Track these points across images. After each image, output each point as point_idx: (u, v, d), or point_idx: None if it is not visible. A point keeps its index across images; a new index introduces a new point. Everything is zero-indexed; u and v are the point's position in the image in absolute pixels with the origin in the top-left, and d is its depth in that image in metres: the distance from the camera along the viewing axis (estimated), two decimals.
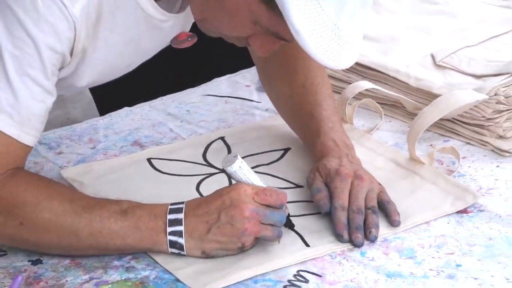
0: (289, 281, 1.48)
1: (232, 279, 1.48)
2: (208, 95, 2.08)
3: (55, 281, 1.49)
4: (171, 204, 1.55)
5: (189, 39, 1.78)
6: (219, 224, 1.51)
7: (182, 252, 1.54)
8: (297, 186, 1.77)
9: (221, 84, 2.13)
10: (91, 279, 1.50)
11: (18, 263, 1.54)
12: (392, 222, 1.62)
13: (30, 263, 1.55)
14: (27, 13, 1.48)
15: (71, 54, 1.56)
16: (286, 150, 1.89)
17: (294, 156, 1.88)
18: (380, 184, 1.68)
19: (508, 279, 1.46)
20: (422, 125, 1.76)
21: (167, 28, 1.71)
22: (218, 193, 1.55)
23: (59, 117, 2.02)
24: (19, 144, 1.53)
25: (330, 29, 1.41)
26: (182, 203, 1.56)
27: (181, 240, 1.53)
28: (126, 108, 2.03)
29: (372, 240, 1.57)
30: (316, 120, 1.79)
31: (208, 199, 1.56)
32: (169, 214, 1.54)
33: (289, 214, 1.59)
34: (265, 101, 2.04)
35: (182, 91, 2.10)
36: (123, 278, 1.50)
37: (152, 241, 1.54)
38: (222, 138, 1.71)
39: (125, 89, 2.12)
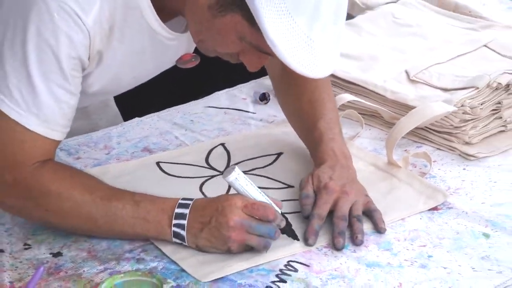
0: (280, 270, 1.49)
1: (231, 269, 1.48)
2: (209, 106, 2.08)
3: (74, 271, 1.49)
4: (182, 199, 1.56)
5: (193, 59, 1.78)
6: (210, 227, 1.52)
7: (184, 243, 1.54)
8: (289, 186, 1.77)
9: (221, 97, 2.12)
10: (105, 269, 1.50)
11: (41, 256, 1.54)
12: (378, 229, 1.61)
13: (51, 255, 1.54)
14: (45, 26, 1.49)
15: (88, 58, 1.56)
16: (279, 154, 1.89)
17: (285, 160, 1.88)
18: (367, 195, 1.67)
19: (473, 268, 1.47)
20: (399, 133, 1.77)
21: (173, 46, 1.71)
22: (216, 199, 1.56)
23: (85, 126, 2.02)
24: (45, 139, 1.54)
25: (303, 40, 1.41)
26: (191, 200, 1.56)
27: (183, 233, 1.53)
28: (137, 118, 2.03)
29: (358, 245, 1.56)
30: (318, 131, 1.78)
31: (208, 203, 1.56)
32: (177, 208, 1.54)
33: (290, 225, 1.56)
34: (259, 112, 2.06)
35: (186, 104, 2.09)
36: (134, 268, 1.50)
37: (157, 232, 1.56)
38: (223, 144, 1.71)
39: (138, 101, 2.11)
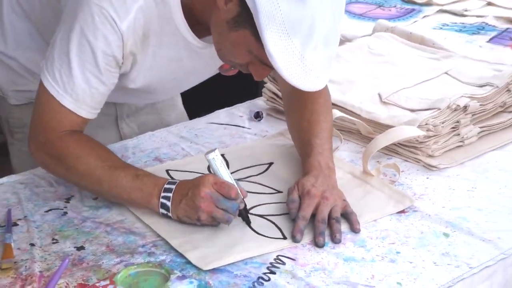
0: (270, 263, 1.48)
1: (228, 260, 1.48)
2: (211, 123, 2.08)
3: (94, 263, 1.49)
4: (171, 178, 1.67)
5: (232, 68, 1.79)
6: (187, 198, 1.55)
7: (168, 213, 1.59)
8: (278, 191, 1.75)
9: (221, 114, 2.12)
10: (121, 261, 1.49)
11: (67, 249, 1.54)
12: (354, 229, 1.61)
13: (75, 249, 1.54)
14: (87, 26, 1.56)
15: (122, 57, 1.62)
16: (270, 164, 1.88)
17: (276, 169, 1.87)
18: (345, 200, 1.66)
19: (435, 262, 1.47)
20: (374, 147, 1.77)
21: (207, 54, 1.72)
22: (195, 178, 1.59)
23: (155, 120, 2.11)
24: (74, 115, 1.63)
25: (297, 57, 1.43)
26: (177, 181, 1.61)
27: (168, 203, 1.58)
28: (149, 133, 2.03)
29: (337, 243, 1.56)
30: (311, 146, 1.77)
31: (188, 181, 1.59)
32: (166, 184, 1.59)
33: (247, 211, 1.60)
34: (254, 127, 2.06)
35: (192, 120, 2.10)
36: (145, 261, 1.49)
37: (147, 201, 1.60)
38: (222, 155, 1.69)
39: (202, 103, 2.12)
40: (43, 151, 1.67)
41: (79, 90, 1.60)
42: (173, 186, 1.58)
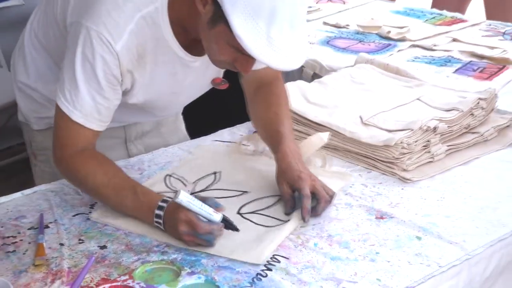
0: (267, 261, 1.49)
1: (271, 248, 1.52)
2: (216, 140, 2.08)
3: (115, 260, 1.49)
4: (160, 201, 1.54)
5: (223, 83, 1.82)
6: (173, 229, 1.53)
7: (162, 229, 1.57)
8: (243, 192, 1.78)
9: (224, 133, 2.12)
10: (138, 259, 1.50)
11: (91, 248, 1.54)
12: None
13: (99, 248, 1.54)
14: (87, 49, 1.57)
15: (120, 74, 1.61)
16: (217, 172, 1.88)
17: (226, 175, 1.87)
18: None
19: (409, 262, 1.48)
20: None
21: (198, 67, 1.73)
22: (174, 212, 1.52)
23: (160, 143, 2.05)
24: (85, 128, 1.62)
25: (264, 37, 1.42)
26: (165, 206, 1.54)
27: (161, 227, 1.56)
28: (162, 148, 2.02)
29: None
30: (280, 134, 1.77)
31: (171, 212, 1.53)
32: (156, 210, 1.54)
33: (230, 222, 1.54)
34: (251, 144, 2.03)
35: (199, 138, 2.09)
36: (160, 259, 1.50)
37: (146, 219, 1.58)
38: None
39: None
40: (61, 166, 1.67)
41: (87, 106, 1.59)
42: (162, 213, 1.54)
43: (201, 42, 1.60)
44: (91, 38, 1.55)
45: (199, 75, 1.77)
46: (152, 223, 1.56)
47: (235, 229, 1.55)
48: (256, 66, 1.61)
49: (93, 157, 1.66)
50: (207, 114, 1.81)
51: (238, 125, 2.16)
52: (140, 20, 1.57)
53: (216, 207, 1.53)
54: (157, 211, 1.54)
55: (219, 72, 1.82)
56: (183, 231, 1.49)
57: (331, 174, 1.82)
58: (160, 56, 1.65)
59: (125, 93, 1.68)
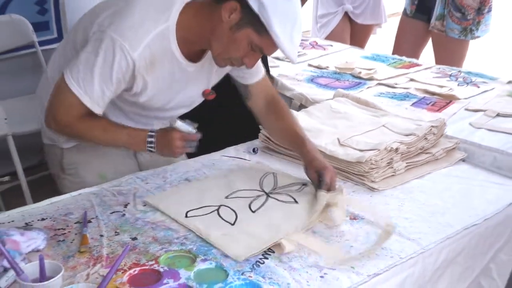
0: (264, 252, 1.49)
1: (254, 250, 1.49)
2: (223, 156, 2.07)
3: (144, 249, 1.49)
4: (150, 131, 1.66)
5: (211, 93, 1.82)
6: (167, 148, 1.65)
7: (153, 151, 1.67)
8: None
9: (230, 150, 2.11)
10: (162, 248, 1.50)
11: (125, 239, 1.54)
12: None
13: (131, 239, 1.54)
14: (109, 53, 1.56)
15: (134, 78, 1.62)
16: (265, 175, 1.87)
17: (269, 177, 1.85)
18: None
19: (377, 254, 1.49)
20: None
21: (192, 72, 1.73)
22: (166, 134, 1.64)
23: (165, 161, 1.98)
24: (89, 110, 1.62)
25: (289, 37, 1.52)
26: (154, 134, 1.65)
27: (153, 150, 1.66)
28: (181, 161, 2.02)
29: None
30: (299, 136, 1.83)
31: (163, 135, 1.65)
32: (148, 134, 1.66)
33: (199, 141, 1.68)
34: (252, 158, 2.04)
35: (210, 153, 2.07)
36: (179, 248, 1.50)
37: (137, 146, 1.72)
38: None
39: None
40: (61, 127, 1.68)
41: (95, 95, 1.59)
42: (153, 137, 1.65)
43: (197, 51, 1.68)
44: (114, 46, 1.55)
45: (192, 80, 1.76)
46: (144, 149, 1.67)
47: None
48: (252, 79, 1.79)
49: (85, 121, 1.66)
50: (211, 134, 1.81)
51: (241, 144, 2.15)
52: (155, 36, 1.59)
53: (192, 123, 1.67)
54: (148, 139, 1.65)
55: (208, 85, 1.81)
56: (178, 144, 1.63)
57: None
58: (166, 62, 1.65)
59: (138, 93, 1.69)
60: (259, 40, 1.54)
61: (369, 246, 1.52)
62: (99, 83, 1.59)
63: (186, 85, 1.76)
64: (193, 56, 1.69)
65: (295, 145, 1.84)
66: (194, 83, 1.78)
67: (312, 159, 1.75)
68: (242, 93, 1.90)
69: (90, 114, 1.64)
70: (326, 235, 1.58)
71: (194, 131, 1.65)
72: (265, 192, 1.74)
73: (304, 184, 1.78)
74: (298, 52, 3.07)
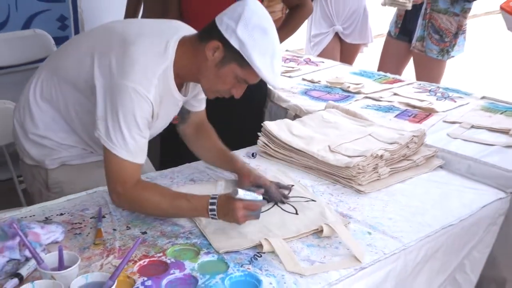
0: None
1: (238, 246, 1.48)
2: None
3: (153, 242, 1.50)
4: (211, 198, 1.50)
5: (177, 119, 1.81)
6: (228, 216, 1.49)
7: (216, 218, 1.50)
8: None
9: None
10: (169, 242, 1.50)
11: (135, 233, 1.54)
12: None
13: (141, 233, 1.54)
14: (128, 102, 1.49)
15: (152, 117, 1.55)
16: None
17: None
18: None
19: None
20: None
21: (179, 105, 1.73)
22: (228, 202, 1.48)
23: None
24: (132, 163, 1.51)
25: (270, 67, 1.50)
26: (215, 199, 1.50)
27: (215, 217, 1.50)
28: (187, 164, 1.99)
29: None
30: (231, 155, 1.84)
31: (224, 204, 1.49)
32: (209, 205, 1.49)
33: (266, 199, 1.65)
34: (251, 162, 1.99)
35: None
36: (185, 242, 1.50)
37: (201, 215, 1.54)
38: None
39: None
40: (122, 199, 1.54)
41: (130, 146, 1.49)
42: (215, 205, 1.49)
43: (186, 84, 1.67)
44: (130, 93, 1.48)
45: (175, 111, 1.74)
46: (207, 216, 1.51)
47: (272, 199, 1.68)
48: (198, 108, 1.81)
49: (146, 186, 1.57)
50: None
51: (241, 149, 2.13)
52: (159, 76, 1.53)
53: (258, 189, 1.59)
54: (210, 207, 1.49)
55: (176, 112, 1.77)
56: (242, 214, 1.46)
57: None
58: (168, 98, 1.60)
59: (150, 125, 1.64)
60: (243, 73, 1.52)
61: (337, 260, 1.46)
62: (130, 134, 1.49)
63: (168, 115, 1.73)
64: (179, 87, 1.65)
65: (225, 162, 1.84)
66: (173, 112, 1.75)
67: (247, 172, 1.76)
68: (181, 116, 1.84)
69: (140, 181, 1.56)
70: (318, 232, 1.56)
71: (260, 197, 1.52)
72: (275, 202, 1.71)
73: (313, 200, 1.73)
74: (293, 68, 3.11)
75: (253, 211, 1.49)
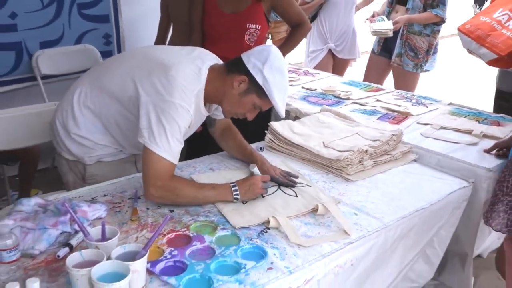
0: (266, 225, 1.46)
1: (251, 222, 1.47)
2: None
3: (179, 219, 1.49)
4: (232, 184, 1.56)
5: (201, 128, 1.80)
6: (249, 191, 1.55)
7: (238, 197, 1.55)
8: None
9: None
10: (192, 219, 1.49)
11: (164, 211, 1.53)
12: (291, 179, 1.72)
13: (169, 211, 1.53)
14: (175, 114, 1.48)
15: (188, 127, 1.54)
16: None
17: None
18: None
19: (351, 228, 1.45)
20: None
21: (204, 120, 1.72)
22: (247, 180, 1.57)
23: None
24: (171, 164, 1.50)
25: (283, 100, 1.54)
26: (235, 183, 1.56)
27: (238, 197, 1.54)
28: (206, 156, 1.97)
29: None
30: (250, 150, 1.83)
31: (243, 183, 1.56)
32: (232, 187, 1.55)
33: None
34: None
35: (219, 153, 2.02)
36: (205, 219, 1.49)
37: (226, 198, 1.55)
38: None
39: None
40: (162, 191, 1.50)
41: (173, 150, 1.48)
42: (237, 187, 1.54)
43: (210, 104, 1.66)
44: (177, 108, 1.48)
45: (200, 123, 1.72)
46: (231, 198, 1.54)
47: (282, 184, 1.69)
48: (220, 117, 1.77)
49: (179, 180, 1.55)
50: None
51: (252, 144, 2.11)
52: (195, 96, 1.53)
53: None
54: (233, 188, 1.54)
55: (201, 123, 1.75)
56: (260, 186, 1.56)
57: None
58: (196, 113, 1.58)
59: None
60: (261, 102, 1.55)
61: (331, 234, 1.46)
62: (173, 140, 1.48)
63: (198, 123, 1.72)
64: (208, 106, 1.66)
65: (246, 156, 1.83)
66: (201, 122, 1.74)
67: (262, 164, 1.75)
68: (208, 122, 1.85)
69: (174, 176, 1.54)
70: (313, 213, 1.55)
71: (259, 173, 1.64)
72: (278, 185, 1.70)
73: (309, 186, 1.71)
74: (294, 78, 3.10)
75: (265, 182, 1.60)
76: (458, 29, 2.25)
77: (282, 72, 1.53)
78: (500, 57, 2.13)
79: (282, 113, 1.57)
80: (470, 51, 2.25)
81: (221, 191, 1.54)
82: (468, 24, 2.25)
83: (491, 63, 2.21)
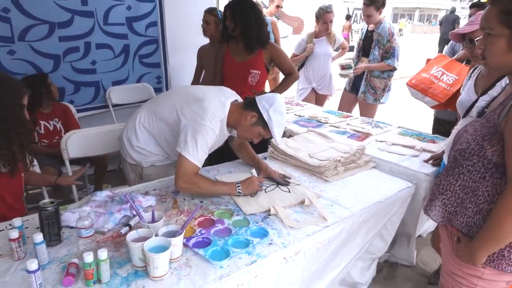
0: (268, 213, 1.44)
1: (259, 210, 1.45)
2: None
3: (206, 207, 1.48)
4: (236, 183, 1.53)
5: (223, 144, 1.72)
6: (248, 187, 1.52)
7: (241, 192, 1.51)
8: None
9: (236, 162, 2.02)
10: (216, 207, 1.48)
11: (196, 201, 1.52)
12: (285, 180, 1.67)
13: (199, 202, 1.51)
14: (205, 134, 1.46)
15: (213, 143, 1.51)
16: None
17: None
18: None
19: (328, 215, 1.42)
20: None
21: (225, 139, 1.66)
22: (248, 180, 1.53)
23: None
24: (197, 167, 1.47)
25: (279, 134, 1.51)
26: (239, 183, 1.53)
27: (240, 191, 1.52)
28: (226, 162, 1.93)
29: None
30: (257, 158, 1.79)
31: (245, 181, 1.53)
32: (236, 185, 1.52)
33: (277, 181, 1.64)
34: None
35: (238, 159, 1.97)
36: (224, 207, 1.47)
37: (232, 192, 1.52)
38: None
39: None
40: (187, 184, 1.46)
41: (199, 157, 1.45)
42: (240, 185, 1.52)
43: (231, 127, 1.60)
44: (207, 129, 1.46)
45: (223, 141, 1.67)
46: (235, 192, 1.51)
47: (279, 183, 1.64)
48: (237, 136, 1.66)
49: (200, 177, 1.50)
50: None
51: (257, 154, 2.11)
52: (220, 121, 1.53)
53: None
54: (237, 186, 1.52)
55: (223, 141, 1.69)
56: (257, 183, 1.52)
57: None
58: (220, 134, 1.55)
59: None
60: (264, 132, 1.53)
61: (312, 220, 1.44)
62: (202, 151, 1.45)
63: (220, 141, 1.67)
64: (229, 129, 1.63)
65: (254, 163, 1.79)
66: (223, 141, 1.69)
67: (266, 169, 1.72)
68: (230, 139, 1.79)
69: (197, 174, 1.50)
70: (300, 208, 1.53)
71: (256, 175, 1.60)
72: (277, 183, 1.69)
73: (298, 185, 1.67)
74: (288, 108, 3.09)
75: (261, 182, 1.58)
76: (407, 84, 2.27)
77: (282, 114, 1.51)
78: (440, 103, 2.15)
79: (279, 142, 1.55)
80: (416, 98, 2.26)
81: (229, 187, 1.52)
82: (414, 80, 2.27)
83: (433, 107, 2.23)
